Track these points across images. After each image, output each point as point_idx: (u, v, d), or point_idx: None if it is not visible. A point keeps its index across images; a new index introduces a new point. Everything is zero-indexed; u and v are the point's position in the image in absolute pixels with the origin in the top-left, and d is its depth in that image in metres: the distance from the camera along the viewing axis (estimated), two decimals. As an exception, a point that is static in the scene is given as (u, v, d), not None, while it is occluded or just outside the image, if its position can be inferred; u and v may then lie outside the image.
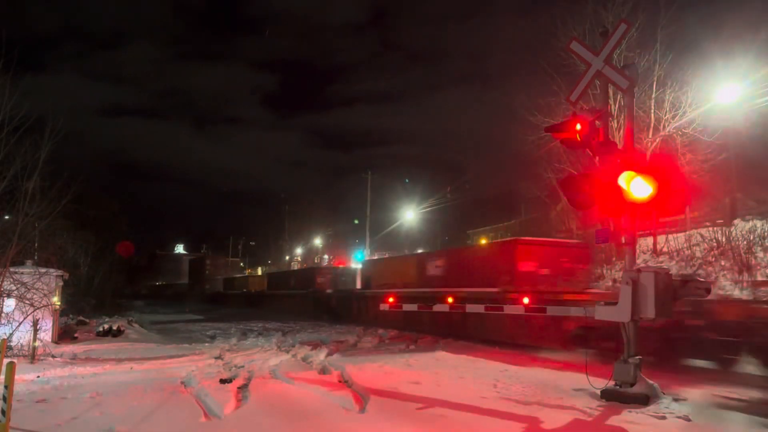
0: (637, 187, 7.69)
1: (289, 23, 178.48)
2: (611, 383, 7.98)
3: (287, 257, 70.22)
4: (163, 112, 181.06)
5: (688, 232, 15.36)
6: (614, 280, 12.75)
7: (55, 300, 15.98)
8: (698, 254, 13.00)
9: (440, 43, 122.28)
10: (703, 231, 14.67)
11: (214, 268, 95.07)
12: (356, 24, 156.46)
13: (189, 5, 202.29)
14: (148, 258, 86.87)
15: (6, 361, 6.29)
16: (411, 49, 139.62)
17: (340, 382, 9.66)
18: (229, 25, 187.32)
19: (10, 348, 12.60)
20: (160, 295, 75.15)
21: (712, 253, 12.54)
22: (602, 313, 8.16)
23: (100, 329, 19.62)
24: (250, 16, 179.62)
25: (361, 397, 8.20)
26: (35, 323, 12.74)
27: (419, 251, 36.32)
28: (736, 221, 17.15)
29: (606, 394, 7.86)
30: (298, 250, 67.62)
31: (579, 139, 8.26)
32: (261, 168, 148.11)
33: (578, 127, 8.18)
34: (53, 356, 13.07)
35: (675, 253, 14.02)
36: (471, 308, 12.16)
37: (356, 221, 33.04)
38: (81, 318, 23.14)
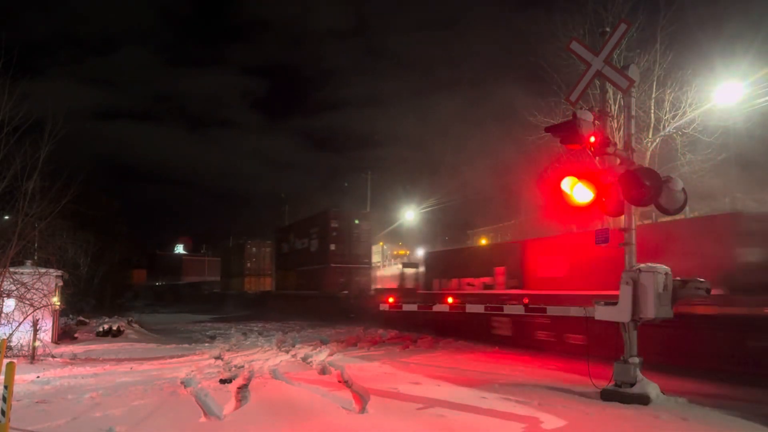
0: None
1: (276, 30, 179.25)
2: (611, 383, 7.98)
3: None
4: (157, 116, 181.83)
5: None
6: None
7: (55, 300, 15.99)
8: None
9: (427, 48, 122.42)
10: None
11: (213, 268, 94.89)
12: (341, 31, 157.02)
13: (178, 13, 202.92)
14: (148, 258, 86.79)
15: (6, 361, 6.29)
16: (396, 55, 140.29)
17: (340, 382, 9.65)
18: (218, 32, 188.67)
19: (10, 348, 12.61)
20: (160, 295, 75.03)
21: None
22: (602, 313, 8.15)
23: (100, 329, 19.65)
24: (237, 24, 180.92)
25: (361, 397, 8.20)
26: (35, 323, 12.76)
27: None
28: (736, 221, 17.12)
29: (606, 395, 7.85)
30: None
31: (579, 139, 8.24)
32: (257, 170, 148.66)
33: (578, 127, 8.17)
34: (53, 356, 13.08)
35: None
36: (471, 308, 12.14)
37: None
38: (81, 318, 23.18)
